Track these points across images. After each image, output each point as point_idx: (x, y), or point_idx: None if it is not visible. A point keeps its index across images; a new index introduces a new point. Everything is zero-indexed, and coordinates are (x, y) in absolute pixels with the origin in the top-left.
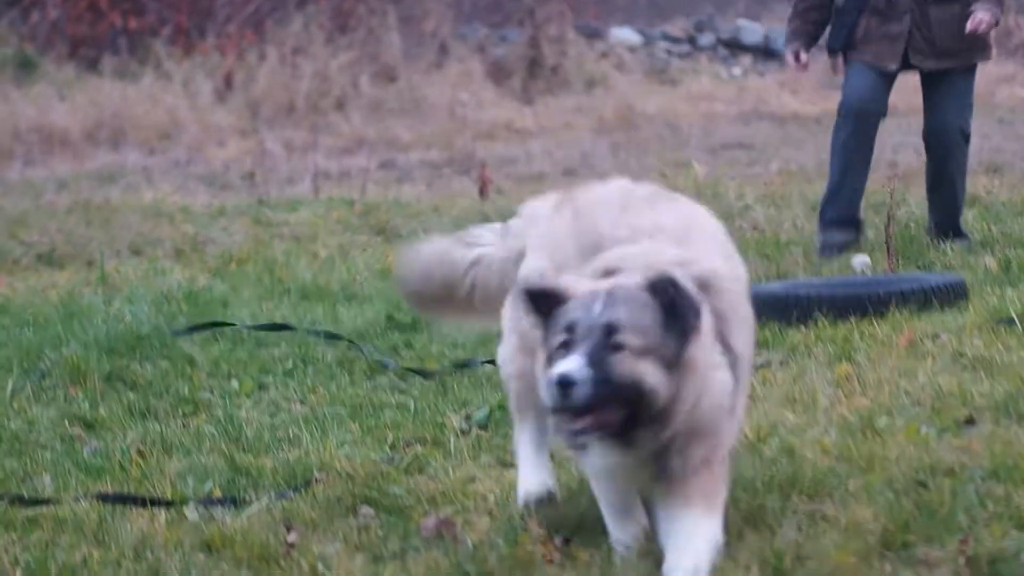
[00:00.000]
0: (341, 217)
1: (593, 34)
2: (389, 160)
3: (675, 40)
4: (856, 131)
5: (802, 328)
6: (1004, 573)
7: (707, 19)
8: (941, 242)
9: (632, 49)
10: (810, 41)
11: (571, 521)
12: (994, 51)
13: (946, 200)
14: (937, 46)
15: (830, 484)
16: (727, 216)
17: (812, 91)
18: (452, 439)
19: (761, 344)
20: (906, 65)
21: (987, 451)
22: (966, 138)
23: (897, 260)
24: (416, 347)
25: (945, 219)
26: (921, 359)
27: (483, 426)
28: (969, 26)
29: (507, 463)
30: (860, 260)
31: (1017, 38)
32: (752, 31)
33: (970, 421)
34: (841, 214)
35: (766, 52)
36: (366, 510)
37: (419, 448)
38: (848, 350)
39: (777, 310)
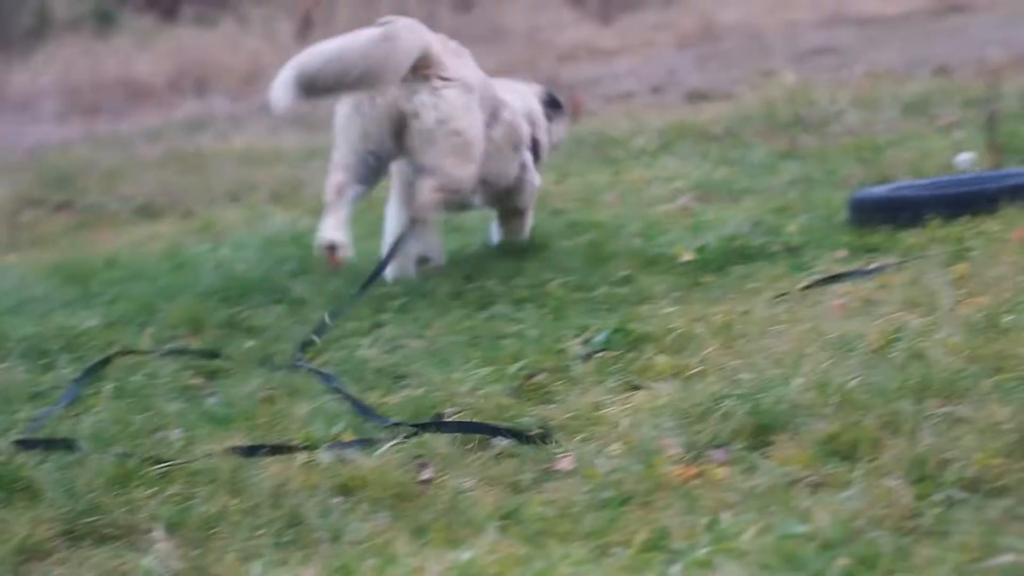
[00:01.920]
0: None
1: None
2: None
3: None
4: None
5: (913, 231)
6: None
7: None
8: None
9: None
10: None
11: (705, 440)
12: None
13: None
14: None
15: (963, 385)
16: (822, 122)
17: None
18: (575, 365)
19: (873, 249)
20: None
21: None
22: None
23: (1001, 155)
24: (528, 274)
25: None
26: None
27: (604, 349)
28: None
29: (634, 385)
30: (965, 157)
31: None
32: None
33: None
34: None
35: None
36: (498, 442)
37: (543, 376)
38: (962, 250)
39: (885, 214)
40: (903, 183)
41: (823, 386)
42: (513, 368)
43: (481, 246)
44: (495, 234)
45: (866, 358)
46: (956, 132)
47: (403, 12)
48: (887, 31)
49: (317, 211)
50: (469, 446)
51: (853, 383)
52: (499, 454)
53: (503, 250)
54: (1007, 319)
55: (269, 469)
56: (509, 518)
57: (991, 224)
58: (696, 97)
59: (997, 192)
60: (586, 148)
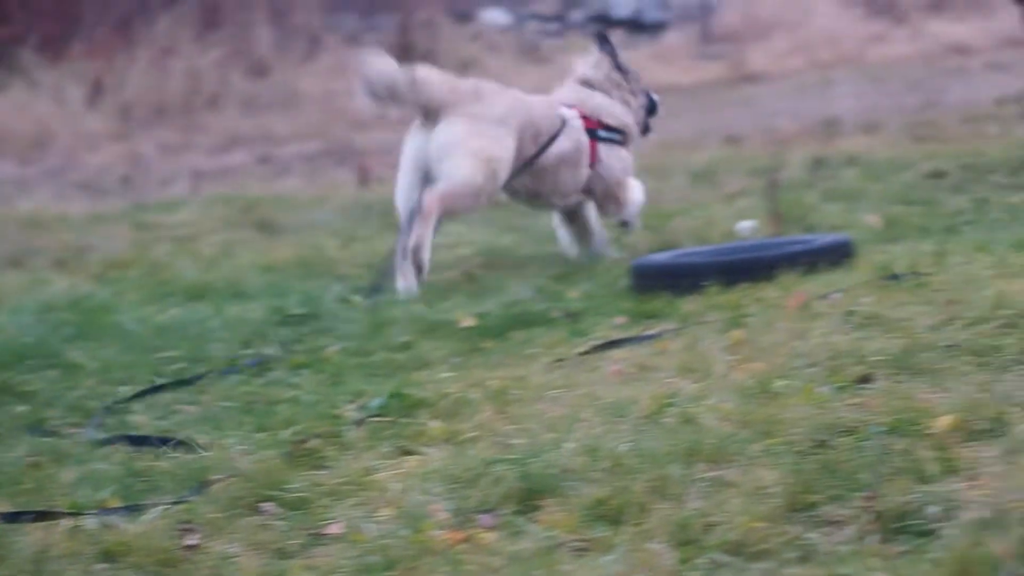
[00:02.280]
0: (221, 215)
1: (463, 17)
2: (266, 155)
3: (545, 18)
4: None
5: (692, 297)
6: (910, 527)
7: None
8: None
9: (502, 30)
10: None
11: (474, 505)
12: None
13: None
14: None
15: (732, 450)
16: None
17: (685, 61)
18: (349, 430)
19: (652, 315)
20: None
21: (885, 407)
22: None
23: (782, 223)
24: (306, 341)
25: None
26: (813, 320)
27: (379, 415)
28: None
29: (407, 450)
30: (746, 225)
31: None
32: (622, 5)
33: (866, 378)
34: None
35: (637, 25)
36: (267, 508)
37: (316, 442)
38: (740, 316)
39: (666, 280)
40: (684, 250)
41: (594, 451)
42: (286, 433)
43: (266, 311)
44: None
45: (638, 423)
46: (741, 200)
47: (196, 78)
48: (681, 101)
49: (101, 276)
50: (238, 511)
51: (624, 448)
52: (268, 519)
53: (284, 317)
54: (779, 384)
55: (32, 535)
56: None
57: (769, 291)
58: None
59: (776, 259)
60: (373, 214)
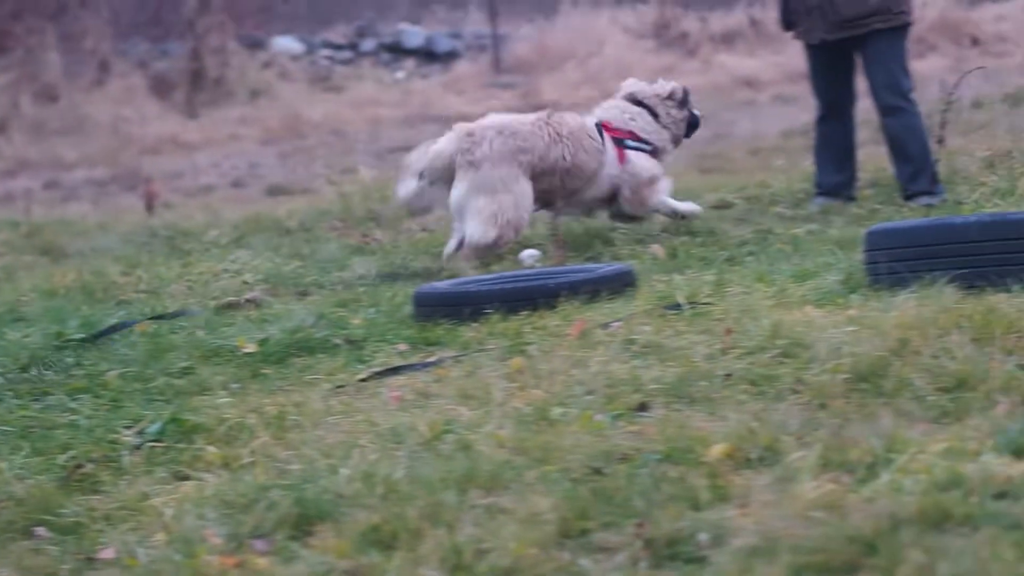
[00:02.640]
0: (6, 239)
1: (255, 44)
2: (53, 180)
3: (337, 47)
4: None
5: (474, 325)
6: (680, 553)
7: (368, 24)
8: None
9: (295, 58)
10: None
11: (248, 530)
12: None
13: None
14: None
15: (507, 477)
16: (396, 218)
17: (476, 91)
18: (125, 455)
19: (434, 343)
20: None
21: (661, 435)
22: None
23: (566, 252)
24: (86, 365)
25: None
26: (593, 348)
27: (157, 440)
28: None
29: (183, 475)
30: (529, 253)
31: (675, 30)
32: (414, 35)
33: (643, 407)
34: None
35: (429, 55)
36: (41, 532)
37: (92, 466)
38: (521, 344)
39: (448, 308)
40: (467, 278)
41: (369, 477)
42: (63, 458)
43: (45, 336)
44: None
45: (415, 450)
46: (527, 229)
47: None
48: None
49: None
50: (10, 535)
51: (399, 474)
52: (41, 544)
53: (63, 342)
54: (557, 412)
55: None
56: None
57: (550, 319)
58: (276, 191)
59: (557, 288)
60: (158, 240)
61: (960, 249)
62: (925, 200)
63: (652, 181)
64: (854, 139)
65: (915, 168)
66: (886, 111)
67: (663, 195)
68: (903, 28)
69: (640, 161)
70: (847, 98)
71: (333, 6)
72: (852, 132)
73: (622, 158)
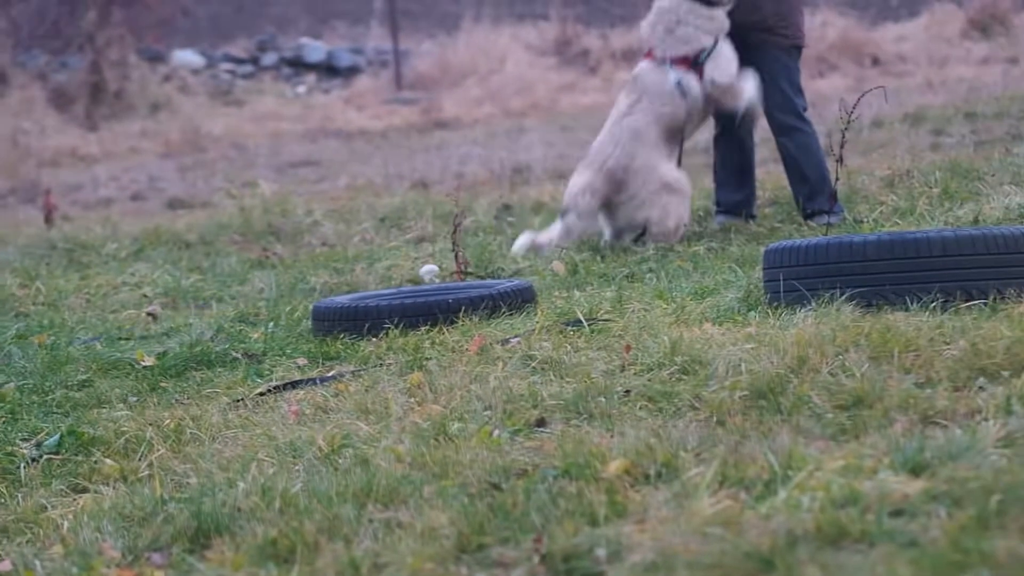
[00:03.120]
0: None
1: (155, 57)
2: None
3: (238, 61)
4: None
5: (373, 339)
6: (577, 569)
7: (269, 38)
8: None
9: (195, 71)
10: None
11: (145, 543)
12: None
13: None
14: None
15: (405, 492)
16: (297, 232)
17: (377, 107)
18: (22, 467)
19: (333, 357)
20: None
21: (559, 451)
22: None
23: (466, 268)
24: None
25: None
26: (492, 364)
27: (55, 453)
28: None
29: (81, 488)
30: (428, 269)
31: (576, 47)
32: (315, 49)
33: (541, 422)
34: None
35: (330, 69)
36: None
37: None
38: (420, 359)
39: (348, 323)
40: (366, 293)
41: (267, 491)
42: None
43: None
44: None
45: (313, 464)
46: (428, 244)
47: None
48: (371, 145)
49: None
50: None
51: (297, 488)
52: None
53: None
54: (455, 427)
55: None
56: None
57: (450, 334)
58: (176, 205)
59: (457, 303)
60: (57, 253)
61: (858, 267)
62: (824, 219)
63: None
64: (752, 157)
65: (812, 187)
66: (780, 131)
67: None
68: (795, 49)
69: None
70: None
71: (235, 20)
72: (750, 150)
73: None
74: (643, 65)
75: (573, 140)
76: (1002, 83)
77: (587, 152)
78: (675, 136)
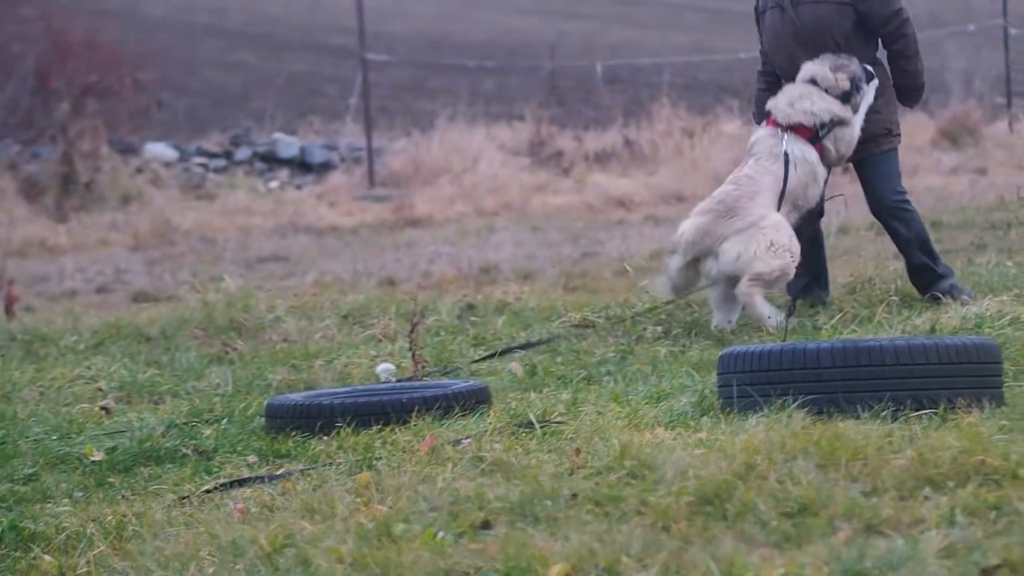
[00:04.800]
0: None
1: (128, 150)
2: None
3: (211, 155)
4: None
5: (325, 438)
6: None
7: (243, 133)
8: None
9: (167, 164)
10: None
11: None
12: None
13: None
14: None
15: None
16: (258, 328)
17: (349, 203)
18: None
19: (284, 455)
20: None
21: (501, 553)
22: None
23: (423, 367)
24: None
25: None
26: (442, 465)
27: None
28: None
29: None
30: (384, 368)
31: (550, 148)
32: (288, 144)
33: (486, 524)
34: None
35: (303, 165)
36: None
37: None
38: (369, 458)
39: (300, 420)
40: (320, 391)
41: None
42: None
43: None
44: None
45: (254, 563)
46: (388, 343)
47: None
48: (341, 241)
49: None
50: None
51: None
52: None
53: None
54: (400, 528)
55: None
56: None
57: (402, 434)
58: (141, 298)
59: (411, 403)
60: (15, 345)
61: (811, 375)
62: (948, 286)
63: None
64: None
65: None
66: (893, 217)
67: None
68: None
69: None
70: None
71: (211, 114)
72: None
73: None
74: None
75: (543, 240)
76: (969, 193)
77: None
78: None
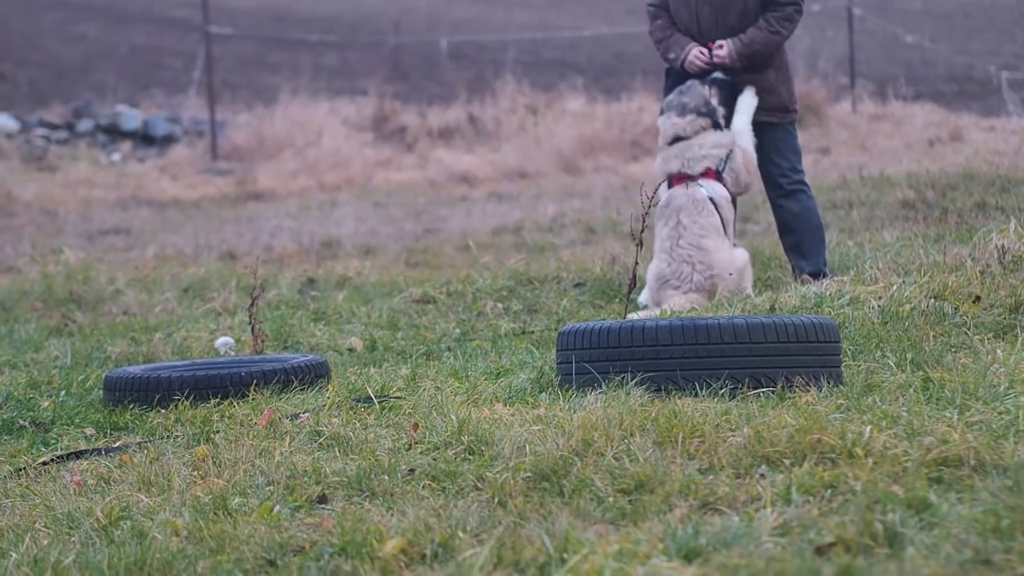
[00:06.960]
0: None
1: None
2: None
3: (53, 127)
4: None
5: (163, 411)
6: None
7: (85, 105)
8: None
9: (9, 135)
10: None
11: None
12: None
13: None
14: None
15: (179, 566)
16: (98, 301)
17: (192, 176)
18: None
19: (122, 428)
20: None
21: (337, 528)
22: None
23: (263, 341)
24: None
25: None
26: (279, 439)
27: None
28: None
29: None
30: (223, 341)
31: (393, 123)
32: (131, 117)
33: (323, 499)
34: None
35: (146, 138)
36: None
37: None
38: (207, 431)
39: (138, 393)
40: (159, 364)
41: (39, 562)
42: None
43: None
44: None
45: (89, 535)
46: (228, 317)
47: None
48: (184, 214)
49: None
50: None
51: (70, 560)
52: None
53: None
54: (236, 501)
55: None
56: None
57: (240, 408)
58: None
59: (249, 376)
60: None
61: (649, 352)
62: (827, 277)
63: None
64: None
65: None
66: (785, 195)
67: None
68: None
69: None
70: None
71: (54, 86)
72: None
73: None
74: None
75: (385, 216)
76: (812, 172)
77: None
78: None
